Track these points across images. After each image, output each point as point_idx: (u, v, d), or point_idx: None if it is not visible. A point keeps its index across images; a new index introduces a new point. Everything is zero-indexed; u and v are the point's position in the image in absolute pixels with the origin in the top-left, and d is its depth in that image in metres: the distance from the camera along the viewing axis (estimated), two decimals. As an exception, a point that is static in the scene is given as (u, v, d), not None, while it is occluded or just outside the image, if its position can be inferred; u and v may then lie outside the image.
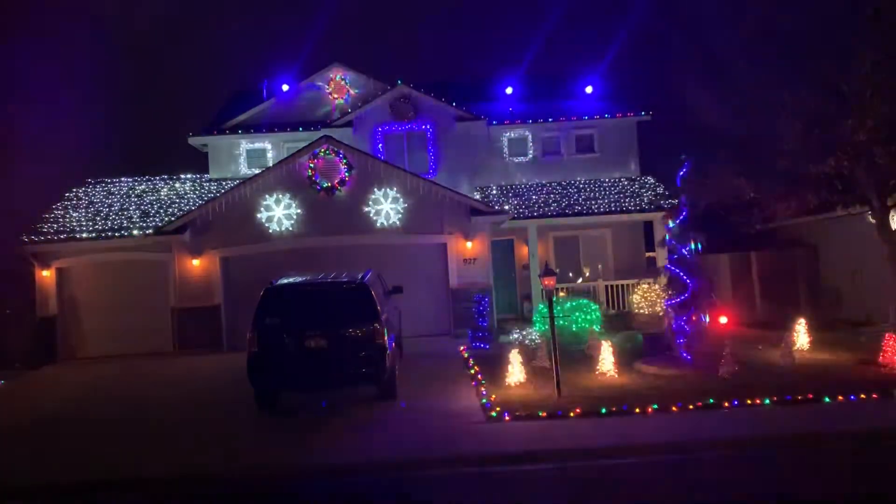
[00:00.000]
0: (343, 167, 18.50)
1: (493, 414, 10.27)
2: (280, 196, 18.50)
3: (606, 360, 12.54)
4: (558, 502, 7.61)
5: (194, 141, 22.97)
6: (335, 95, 23.36)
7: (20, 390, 15.04)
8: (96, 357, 18.42)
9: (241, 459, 9.23)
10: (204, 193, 21.47)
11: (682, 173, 13.62)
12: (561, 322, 17.07)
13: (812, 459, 8.35)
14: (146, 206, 20.75)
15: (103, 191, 21.96)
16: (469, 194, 20.11)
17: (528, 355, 13.55)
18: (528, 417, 10.09)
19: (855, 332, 15.45)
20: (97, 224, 19.46)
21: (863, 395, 10.29)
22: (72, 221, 19.69)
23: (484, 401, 11.01)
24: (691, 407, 10.15)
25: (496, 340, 16.70)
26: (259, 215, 18.48)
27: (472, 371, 13.31)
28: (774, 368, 12.42)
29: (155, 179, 22.74)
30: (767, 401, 10.25)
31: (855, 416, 9.57)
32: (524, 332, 16.39)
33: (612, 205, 20.60)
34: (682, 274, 13.39)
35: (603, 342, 13.04)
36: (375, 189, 18.55)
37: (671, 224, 13.74)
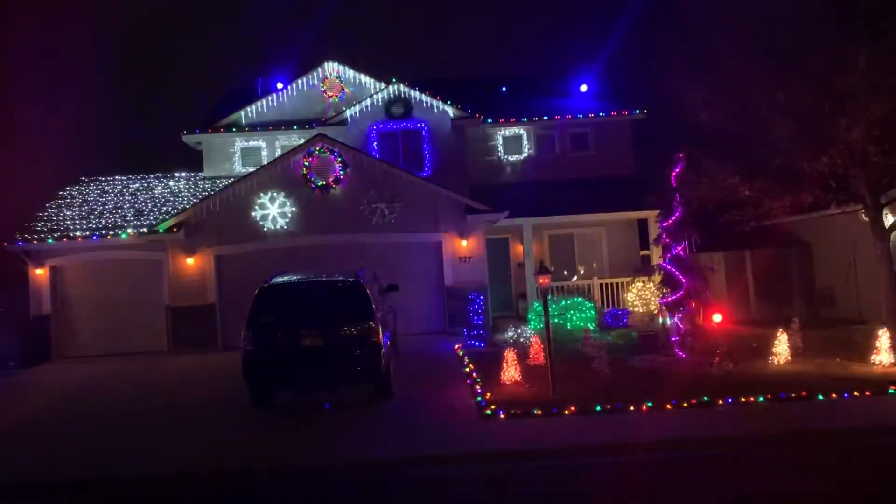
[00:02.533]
0: (338, 165, 18.48)
1: (488, 412, 10.27)
2: (275, 194, 18.48)
3: (601, 358, 12.55)
4: (553, 500, 7.61)
5: (188, 139, 22.89)
6: (330, 93, 23.31)
7: (14, 389, 14.98)
8: (90, 356, 18.34)
9: (235, 458, 9.21)
10: (198, 192, 21.41)
11: (676, 171, 13.65)
12: (556, 320, 17.14)
13: (806, 457, 8.37)
14: (140, 204, 20.69)
15: (97, 189, 21.89)
16: (464, 193, 20.09)
17: (523, 353, 13.56)
18: (523, 416, 10.10)
19: (848, 329, 15.50)
20: (91, 222, 19.40)
21: (856, 393, 10.33)
22: (65, 220, 19.62)
23: (479, 399, 11.01)
24: (685, 405, 10.17)
25: (491, 339, 16.71)
26: (254, 213, 18.45)
27: (468, 369, 13.31)
28: (768, 366, 12.46)
29: (149, 178, 22.67)
30: (761, 398, 10.29)
31: (849, 413, 9.61)
32: (519, 331, 16.39)
33: (607, 203, 20.61)
34: (676, 272, 13.42)
35: (597, 340, 13.06)
36: (370, 187, 18.54)
37: (665, 222, 13.77)
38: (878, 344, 12.15)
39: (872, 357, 12.13)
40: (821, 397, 10.26)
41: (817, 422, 9.34)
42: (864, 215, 14.49)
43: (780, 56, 13.53)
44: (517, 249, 21.64)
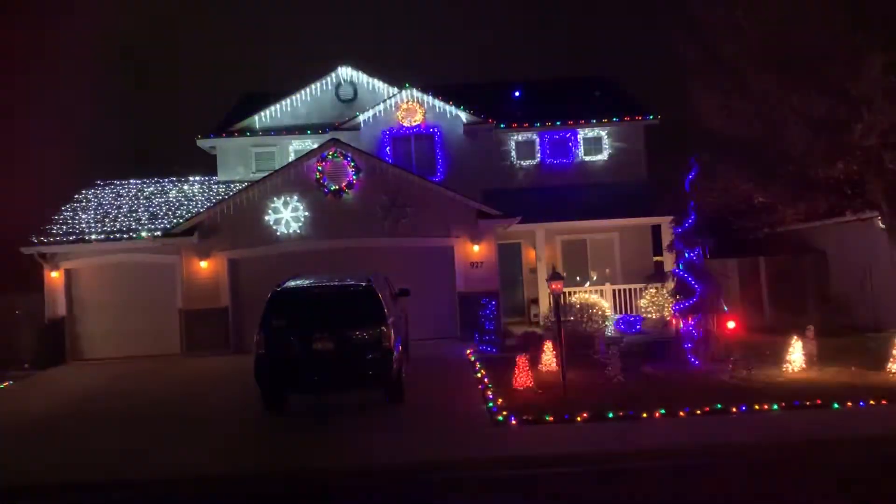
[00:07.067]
0: (351, 170, 18.53)
1: (500, 418, 10.25)
2: (288, 198, 18.54)
3: (614, 365, 12.50)
4: (565, 507, 7.59)
5: (203, 143, 23.05)
6: (343, 98, 23.39)
7: (29, 391, 15.10)
8: (104, 358, 18.51)
9: (246, 461, 9.25)
10: (212, 195, 21.53)
11: (690, 177, 13.59)
12: (568, 326, 17.05)
13: (821, 465, 8.30)
14: (154, 207, 20.84)
15: (112, 192, 22.06)
16: (476, 198, 20.07)
17: (535, 359, 13.52)
18: (535, 422, 10.06)
19: (864, 337, 15.35)
20: (106, 226, 19.55)
21: (871, 401, 10.22)
22: (80, 223, 19.78)
23: (490, 405, 10.99)
24: (699, 412, 10.10)
25: (503, 344, 16.67)
26: (267, 217, 18.52)
27: (479, 375, 13.29)
28: (782, 374, 12.36)
29: (163, 181, 22.83)
30: (776, 406, 10.21)
31: (864, 422, 9.52)
32: (531, 336, 16.33)
33: (620, 209, 20.55)
34: (689, 279, 13.35)
35: (610, 346, 13.00)
36: (383, 192, 18.56)
37: (679, 228, 13.70)
38: (893, 352, 12.02)
39: (888, 365, 12.00)
40: (836, 406, 10.16)
41: (832, 430, 9.24)
42: (880, 222, 14.37)
43: (795, 62, 13.45)
44: (529, 255, 21.59)
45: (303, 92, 23.36)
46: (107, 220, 19.99)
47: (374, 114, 21.87)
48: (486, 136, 22.25)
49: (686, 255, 13.56)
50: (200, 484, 8.64)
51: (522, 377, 12.10)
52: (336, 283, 11.99)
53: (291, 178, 18.68)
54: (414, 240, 18.62)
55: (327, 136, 20.40)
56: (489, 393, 11.74)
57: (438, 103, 21.76)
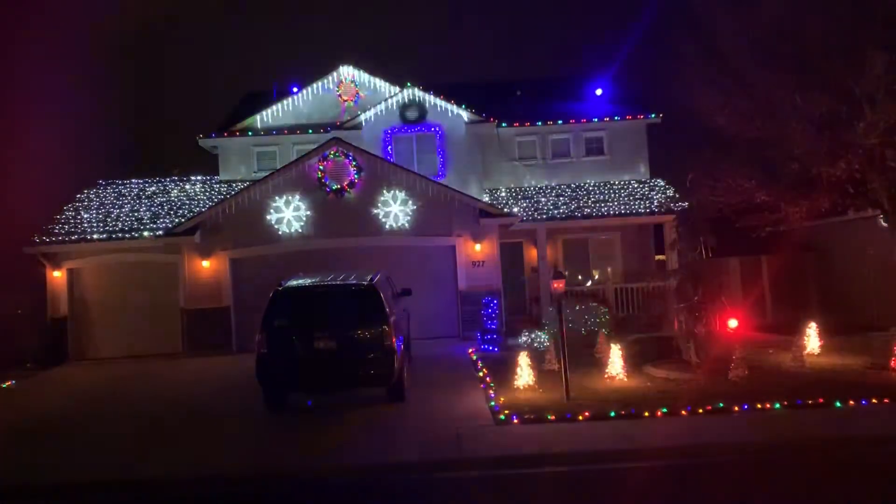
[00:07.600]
0: (352, 169, 18.54)
1: (502, 417, 10.24)
2: (289, 198, 18.55)
3: (616, 364, 12.48)
4: (567, 506, 7.58)
5: (204, 143, 23.07)
6: (345, 97, 23.42)
7: (31, 390, 15.12)
8: (106, 358, 18.54)
9: (248, 460, 9.24)
10: (214, 195, 21.55)
11: (692, 176, 13.57)
12: (570, 325, 17.05)
13: (823, 464, 8.28)
14: (156, 207, 20.86)
15: (114, 192, 22.09)
16: (478, 197, 20.09)
17: (537, 358, 13.51)
18: (537, 421, 10.06)
19: (866, 336, 15.33)
20: (108, 225, 19.58)
21: (874, 400, 10.20)
22: (83, 223, 19.81)
23: (492, 403, 10.98)
24: (701, 411, 10.08)
25: (505, 343, 16.66)
26: (269, 217, 18.54)
27: (481, 374, 13.29)
28: (785, 372, 12.34)
29: (165, 181, 22.87)
30: (778, 405, 10.19)
31: (867, 421, 9.49)
32: (533, 335, 16.34)
33: (622, 207, 20.55)
34: (691, 277, 13.32)
35: (612, 345, 12.98)
36: (384, 191, 18.57)
37: (681, 227, 13.68)
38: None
39: (892, 363, 11.98)
40: (838, 404, 10.14)
41: (835, 429, 9.24)
42: (882, 220, 14.34)
43: (797, 60, 13.43)
44: (531, 254, 21.59)
45: (305, 91, 23.41)
46: (109, 219, 20.02)
47: (376, 113, 21.88)
48: (487, 134, 22.26)
49: (688, 253, 13.53)
50: (201, 484, 8.65)
51: (524, 376, 12.08)
52: (338, 283, 11.99)
53: (293, 178, 18.70)
54: (416, 239, 18.64)
55: (329, 136, 20.41)
56: (491, 391, 11.74)
57: (440, 102, 21.76)
